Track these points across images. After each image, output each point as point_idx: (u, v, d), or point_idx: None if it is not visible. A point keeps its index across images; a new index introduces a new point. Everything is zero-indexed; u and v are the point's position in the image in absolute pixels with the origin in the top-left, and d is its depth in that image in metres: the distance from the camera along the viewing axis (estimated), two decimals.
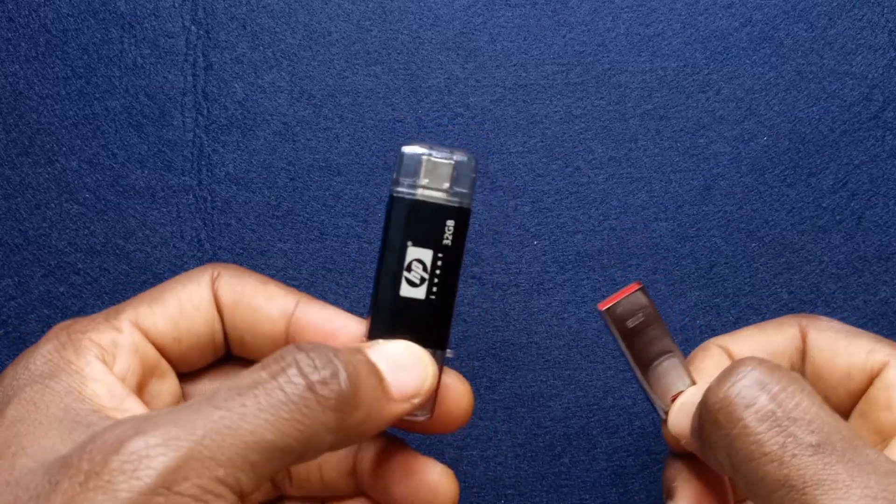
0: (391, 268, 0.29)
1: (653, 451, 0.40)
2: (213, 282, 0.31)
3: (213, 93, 0.41)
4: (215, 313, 0.30)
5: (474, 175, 0.30)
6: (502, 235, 0.40)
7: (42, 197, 0.40)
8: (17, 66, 0.41)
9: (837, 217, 0.40)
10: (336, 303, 0.40)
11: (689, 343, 0.40)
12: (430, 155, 0.29)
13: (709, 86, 0.41)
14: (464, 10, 0.41)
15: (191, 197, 0.40)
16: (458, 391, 0.30)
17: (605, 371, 0.40)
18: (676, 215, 0.40)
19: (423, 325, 0.29)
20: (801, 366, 0.32)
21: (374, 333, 0.29)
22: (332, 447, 0.25)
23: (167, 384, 0.30)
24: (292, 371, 0.24)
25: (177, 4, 0.41)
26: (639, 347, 0.31)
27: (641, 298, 0.31)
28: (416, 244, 0.29)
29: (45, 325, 0.40)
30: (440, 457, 0.40)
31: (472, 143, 0.40)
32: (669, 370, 0.31)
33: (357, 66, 0.41)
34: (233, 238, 0.40)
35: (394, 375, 0.27)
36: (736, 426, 0.25)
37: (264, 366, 0.25)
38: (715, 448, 0.26)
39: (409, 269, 0.30)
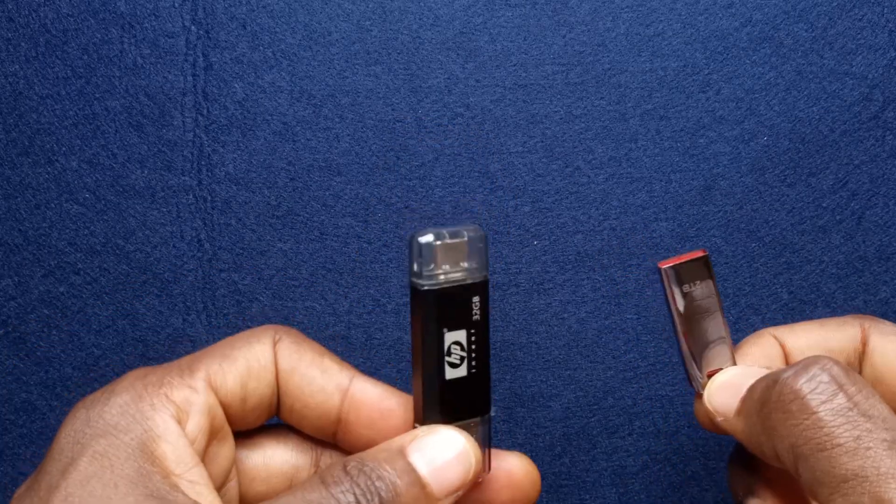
0: (433, 355, 0.30)
1: (653, 451, 0.40)
2: (275, 344, 0.31)
3: (213, 93, 0.41)
4: (275, 376, 0.31)
5: (484, 245, 0.30)
6: (502, 235, 0.40)
7: (42, 197, 0.40)
8: (17, 66, 0.41)
9: (837, 217, 0.40)
10: (336, 303, 0.40)
11: None
12: (443, 239, 0.30)
13: (709, 86, 0.41)
14: (464, 10, 0.41)
15: (191, 197, 0.40)
16: (523, 475, 0.31)
17: (605, 371, 0.40)
18: (676, 215, 0.40)
19: (470, 398, 0.30)
20: (858, 367, 0.32)
21: (427, 417, 0.30)
22: None
23: (226, 447, 0.31)
24: (336, 489, 0.27)
25: (177, 4, 0.41)
26: (688, 315, 0.31)
27: (703, 268, 0.31)
28: (450, 329, 0.30)
29: (46, 325, 0.40)
30: None
31: (472, 142, 0.40)
32: (714, 346, 0.31)
33: (357, 66, 0.41)
34: (233, 238, 0.40)
35: (436, 476, 0.28)
36: (809, 418, 0.26)
37: (315, 479, 0.27)
38: (777, 436, 0.27)
39: (448, 353, 0.30)
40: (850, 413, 0.26)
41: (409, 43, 0.41)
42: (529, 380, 0.40)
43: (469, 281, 0.30)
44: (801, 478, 0.27)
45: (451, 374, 0.30)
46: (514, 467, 0.31)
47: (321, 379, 0.31)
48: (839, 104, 0.41)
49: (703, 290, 0.31)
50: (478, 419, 0.31)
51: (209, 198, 0.40)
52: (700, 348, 0.31)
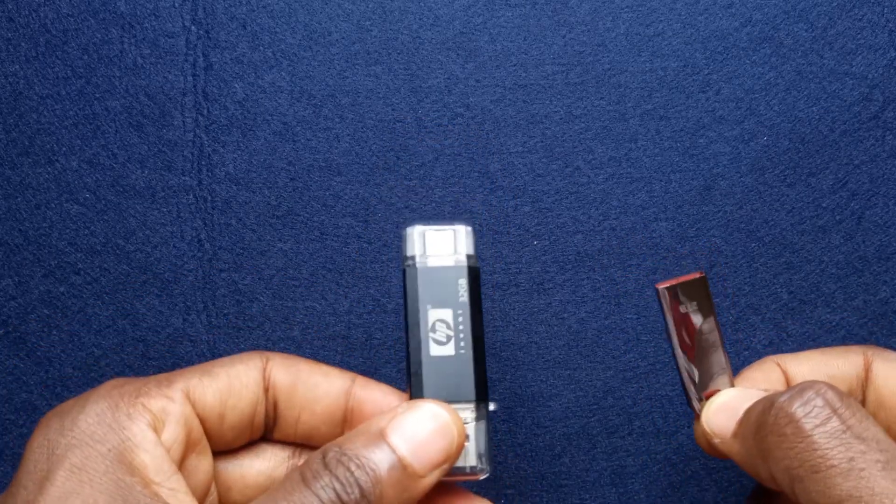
0: (417, 331, 0.32)
1: (653, 451, 0.40)
2: (265, 366, 0.32)
3: (213, 93, 0.41)
4: (262, 396, 0.31)
5: (471, 238, 0.32)
6: (502, 235, 0.40)
7: (42, 197, 0.40)
8: (17, 66, 0.41)
9: (837, 217, 0.40)
10: (336, 303, 0.40)
11: None
12: (432, 228, 0.32)
13: (709, 86, 0.41)
14: (464, 10, 0.41)
15: (191, 197, 0.40)
16: None
17: (605, 371, 0.40)
18: (676, 215, 0.40)
19: (458, 379, 0.31)
20: (861, 395, 0.32)
21: (414, 394, 0.31)
22: None
23: (204, 462, 0.31)
24: (317, 485, 0.27)
25: (177, 4, 0.41)
26: (686, 335, 0.31)
27: (700, 288, 0.31)
28: (434, 306, 0.32)
29: (46, 325, 0.40)
30: None
31: (472, 142, 0.40)
32: (713, 367, 0.32)
33: (357, 66, 0.41)
34: (233, 238, 0.40)
35: (416, 454, 0.28)
36: (804, 441, 0.27)
37: (295, 475, 0.27)
38: (773, 459, 0.28)
39: (433, 329, 0.31)
40: (844, 435, 0.26)
41: (409, 43, 0.41)
42: (529, 380, 0.40)
43: (454, 264, 0.32)
44: (797, 500, 0.27)
45: (436, 350, 0.31)
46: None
47: (325, 383, 0.32)
48: (839, 104, 0.41)
49: (700, 310, 0.31)
50: (471, 404, 0.31)
51: (209, 198, 0.40)
52: (698, 370, 0.32)
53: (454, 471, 0.31)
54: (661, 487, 0.40)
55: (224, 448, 0.32)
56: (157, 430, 0.28)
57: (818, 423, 0.27)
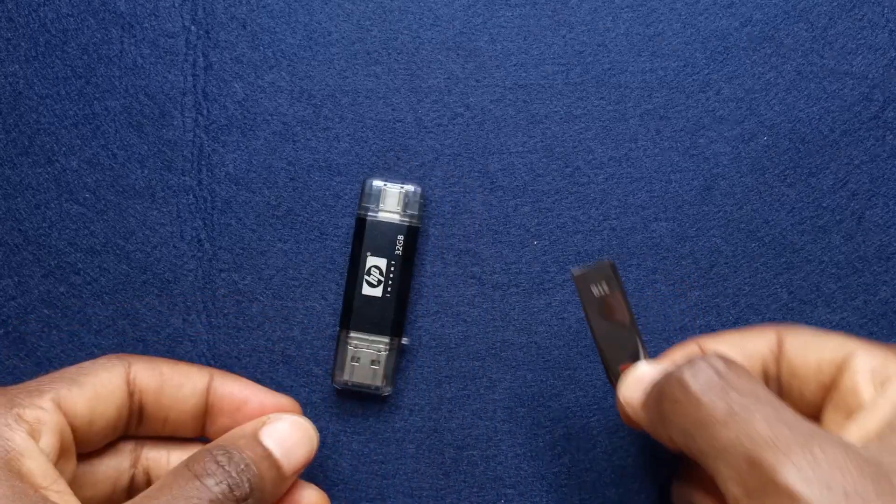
0: (355, 272, 0.39)
1: (653, 450, 0.40)
2: (128, 371, 0.34)
3: (213, 93, 0.41)
4: (127, 401, 0.34)
5: (421, 201, 0.39)
6: (502, 235, 0.40)
7: (42, 197, 0.40)
8: (17, 66, 0.41)
9: (837, 217, 0.40)
10: (336, 303, 0.40)
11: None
12: (386, 186, 0.39)
13: (709, 86, 0.41)
14: (464, 10, 0.41)
15: (191, 197, 0.40)
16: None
17: (605, 371, 0.40)
18: (676, 215, 0.40)
19: (382, 316, 0.39)
20: (776, 370, 0.34)
21: (344, 324, 0.39)
22: None
23: (70, 464, 0.32)
24: (210, 481, 0.30)
25: (177, 4, 0.41)
26: (600, 316, 0.35)
27: (609, 273, 0.35)
28: (373, 254, 0.38)
29: (45, 325, 0.40)
30: (439, 457, 0.40)
31: (472, 143, 0.40)
32: (626, 343, 0.35)
33: (357, 66, 0.41)
34: (233, 238, 0.40)
35: (287, 458, 0.33)
36: (691, 402, 0.29)
37: (185, 471, 0.30)
38: (670, 423, 0.30)
39: (368, 273, 0.39)
40: (725, 391, 0.29)
41: (409, 43, 0.41)
42: (529, 380, 0.40)
43: (397, 222, 0.39)
44: (693, 457, 0.29)
45: (367, 290, 0.39)
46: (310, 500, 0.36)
47: (189, 383, 0.35)
48: (839, 104, 0.41)
49: (612, 293, 0.35)
50: (387, 338, 0.39)
51: (209, 198, 0.40)
52: (614, 347, 0.35)
53: (363, 387, 0.39)
54: (662, 487, 0.40)
55: (89, 449, 0.34)
56: (35, 438, 0.30)
57: (703, 385, 0.29)
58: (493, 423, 0.40)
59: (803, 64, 0.41)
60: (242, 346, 0.40)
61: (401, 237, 0.38)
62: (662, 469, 0.40)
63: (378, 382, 0.39)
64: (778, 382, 0.34)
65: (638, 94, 0.41)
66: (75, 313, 0.40)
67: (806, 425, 0.28)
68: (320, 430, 0.40)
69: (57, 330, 0.40)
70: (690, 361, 0.30)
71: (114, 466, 0.35)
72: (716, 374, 0.29)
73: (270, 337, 0.40)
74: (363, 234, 0.38)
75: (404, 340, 0.39)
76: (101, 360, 0.34)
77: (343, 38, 0.41)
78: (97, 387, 0.33)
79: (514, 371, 0.40)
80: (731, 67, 0.41)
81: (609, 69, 0.41)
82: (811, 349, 0.33)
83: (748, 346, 0.34)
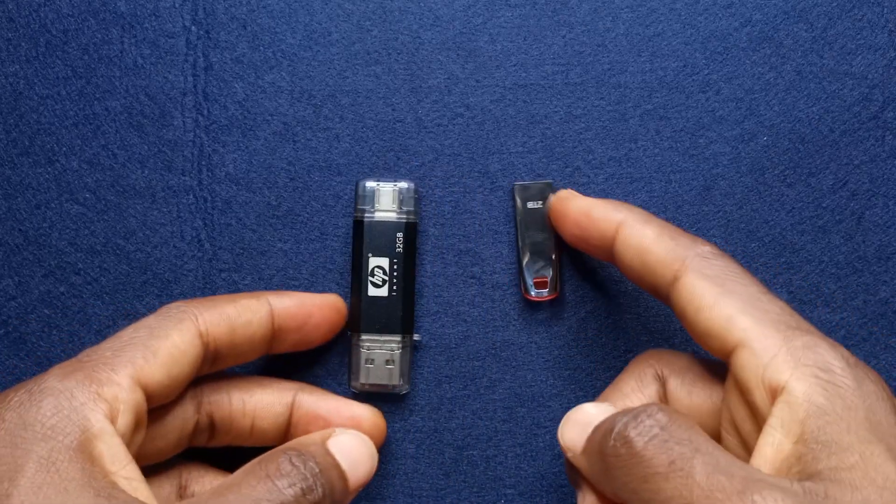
0: (358, 275, 0.39)
1: None
2: (197, 325, 0.34)
3: (214, 93, 0.41)
4: (200, 356, 0.34)
5: (416, 196, 0.39)
6: (502, 235, 0.40)
7: (42, 197, 0.40)
8: (17, 66, 0.41)
9: (837, 217, 0.40)
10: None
11: (688, 342, 0.40)
12: (379, 185, 0.39)
13: (709, 86, 0.41)
14: (464, 10, 0.41)
15: (191, 197, 0.40)
16: (369, 425, 0.38)
17: (605, 371, 0.40)
18: (676, 215, 0.40)
19: (390, 315, 0.39)
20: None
21: (354, 327, 0.39)
22: None
23: (140, 434, 0.32)
24: (284, 482, 0.29)
25: (177, 4, 0.41)
26: (529, 227, 0.39)
27: (547, 191, 0.39)
28: (374, 255, 0.39)
29: (46, 325, 0.40)
30: (439, 457, 0.40)
31: (472, 143, 0.40)
32: (544, 253, 0.39)
33: (357, 66, 0.41)
34: (233, 238, 0.40)
35: (353, 472, 0.33)
36: (634, 457, 0.28)
37: (258, 470, 0.30)
38: (614, 477, 0.29)
39: (372, 274, 0.38)
40: (666, 444, 0.28)
41: (409, 43, 0.41)
42: (529, 380, 0.40)
43: (395, 219, 0.39)
44: None
45: (373, 291, 0.39)
46: (361, 415, 0.37)
47: (254, 319, 0.36)
48: (839, 104, 0.41)
49: (543, 209, 0.39)
50: (398, 336, 0.39)
51: (209, 198, 0.40)
52: (532, 259, 0.39)
53: (381, 388, 0.39)
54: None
55: (159, 406, 0.33)
56: (112, 419, 0.29)
57: (647, 439, 0.28)
58: (493, 423, 0.40)
59: (803, 64, 0.41)
60: None
61: (400, 234, 0.38)
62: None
63: (395, 381, 0.39)
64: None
65: (638, 94, 0.41)
66: (75, 313, 0.40)
67: (744, 472, 0.27)
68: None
69: (57, 330, 0.40)
70: (634, 415, 0.29)
71: (180, 416, 0.34)
72: (658, 426, 0.28)
73: None
74: (362, 236, 0.38)
75: (416, 337, 0.39)
76: (170, 317, 0.33)
77: (343, 38, 0.41)
78: (173, 352, 0.32)
79: (514, 371, 0.40)
80: (730, 68, 0.41)
81: (609, 69, 0.41)
82: (696, 385, 0.33)
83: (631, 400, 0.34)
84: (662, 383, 0.34)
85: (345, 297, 0.40)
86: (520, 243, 0.39)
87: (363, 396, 0.40)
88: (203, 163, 0.40)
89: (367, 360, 0.39)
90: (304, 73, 0.41)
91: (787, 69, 0.41)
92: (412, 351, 0.40)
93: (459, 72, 0.41)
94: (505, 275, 0.40)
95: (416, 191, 0.39)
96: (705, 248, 0.32)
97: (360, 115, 0.41)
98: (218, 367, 0.35)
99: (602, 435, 0.30)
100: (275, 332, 0.36)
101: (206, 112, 0.41)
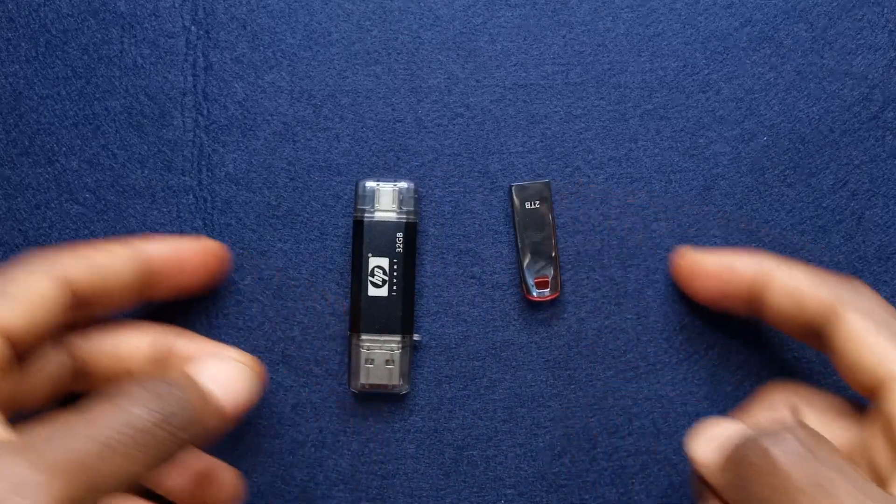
0: (358, 275, 0.39)
1: (653, 450, 0.40)
2: (56, 270, 0.33)
3: (213, 93, 0.41)
4: (63, 298, 0.33)
5: (416, 196, 0.39)
6: (502, 235, 0.40)
7: (42, 197, 0.40)
8: (17, 66, 0.41)
9: (837, 217, 0.40)
10: (336, 302, 0.40)
11: (688, 343, 0.40)
12: (379, 185, 0.39)
13: (709, 86, 0.41)
14: (464, 10, 0.41)
15: (191, 197, 0.40)
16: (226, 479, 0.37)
17: (605, 371, 0.40)
18: (676, 215, 0.40)
19: (390, 315, 0.39)
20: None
21: (353, 327, 0.39)
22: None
23: (10, 378, 0.32)
24: (139, 409, 0.28)
25: (177, 4, 0.41)
26: (525, 228, 0.39)
27: (545, 191, 0.39)
28: (374, 255, 0.39)
29: None
30: (439, 457, 0.40)
31: (472, 143, 0.40)
32: (544, 258, 0.39)
33: (357, 66, 0.41)
34: (233, 238, 0.40)
35: (226, 396, 0.32)
36: (778, 476, 0.29)
37: (109, 400, 0.28)
38: (749, 491, 0.30)
39: (372, 274, 0.38)
40: (809, 462, 0.29)
41: (409, 43, 0.41)
42: (529, 380, 0.40)
43: (395, 219, 0.39)
44: None
45: (373, 291, 0.39)
46: (235, 358, 0.35)
47: (120, 266, 0.35)
48: (839, 104, 0.41)
49: (542, 210, 0.39)
50: (398, 336, 0.39)
51: (209, 198, 0.40)
52: (532, 259, 0.39)
53: (381, 388, 0.39)
54: (661, 487, 0.40)
55: (29, 352, 0.33)
56: None
57: (788, 455, 0.29)
58: (493, 423, 0.40)
59: (803, 64, 0.41)
60: (242, 346, 0.40)
61: (400, 234, 0.39)
62: (662, 469, 0.40)
63: (395, 382, 0.39)
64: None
65: (638, 94, 0.41)
66: None
67: (892, 502, 0.28)
68: (321, 430, 0.40)
69: None
70: (773, 431, 0.30)
71: (53, 362, 0.34)
72: (800, 444, 0.29)
73: (270, 337, 0.40)
74: (362, 236, 0.38)
75: (416, 337, 0.39)
76: (28, 263, 0.33)
77: (343, 38, 0.41)
78: (33, 297, 0.32)
79: (514, 371, 0.40)
80: (730, 67, 0.41)
81: (609, 69, 0.41)
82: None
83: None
84: (794, 413, 0.35)
85: (345, 297, 0.40)
86: (519, 244, 0.39)
87: (344, 394, 0.40)
88: (203, 163, 0.40)
89: (366, 361, 0.39)
90: (304, 73, 0.41)
91: (787, 69, 0.41)
92: (412, 351, 0.40)
93: (459, 72, 0.41)
94: (505, 275, 0.40)
95: (416, 191, 0.39)
96: (856, 284, 0.34)
97: (360, 115, 0.41)
98: (90, 313, 0.35)
99: (743, 451, 0.30)
100: (150, 278, 0.36)
101: (205, 112, 0.41)
